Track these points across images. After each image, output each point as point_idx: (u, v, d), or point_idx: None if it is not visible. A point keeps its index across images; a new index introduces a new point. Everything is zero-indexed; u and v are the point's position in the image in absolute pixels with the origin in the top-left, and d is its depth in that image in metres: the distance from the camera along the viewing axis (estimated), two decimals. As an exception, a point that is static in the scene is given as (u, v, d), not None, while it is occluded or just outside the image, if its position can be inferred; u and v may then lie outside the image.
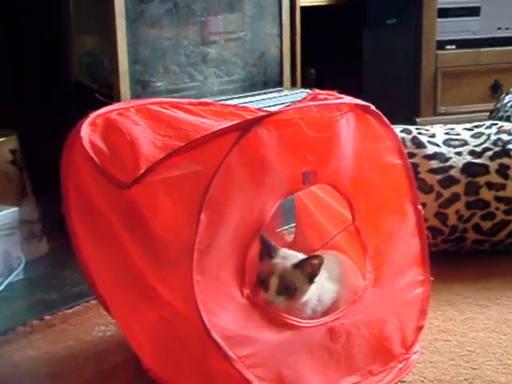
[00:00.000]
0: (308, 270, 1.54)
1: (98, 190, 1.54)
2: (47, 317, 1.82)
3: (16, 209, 2.03)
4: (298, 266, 1.53)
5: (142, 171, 1.45)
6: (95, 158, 1.52)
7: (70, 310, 1.86)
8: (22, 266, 2.02)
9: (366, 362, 1.54)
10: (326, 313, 1.56)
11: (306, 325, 1.49)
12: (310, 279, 1.54)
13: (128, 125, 1.61)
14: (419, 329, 1.64)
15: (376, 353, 1.56)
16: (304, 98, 1.56)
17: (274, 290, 1.51)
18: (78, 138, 1.56)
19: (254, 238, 1.45)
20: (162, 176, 1.43)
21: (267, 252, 1.56)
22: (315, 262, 1.53)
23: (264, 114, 1.50)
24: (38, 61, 2.39)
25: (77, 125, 1.59)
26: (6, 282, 1.97)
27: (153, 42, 2.31)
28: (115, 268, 1.55)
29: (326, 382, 1.48)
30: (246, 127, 1.40)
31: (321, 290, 1.58)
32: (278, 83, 2.66)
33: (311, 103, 1.51)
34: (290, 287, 1.52)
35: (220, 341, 1.36)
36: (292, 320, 1.47)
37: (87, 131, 1.57)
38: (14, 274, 2.00)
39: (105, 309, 1.69)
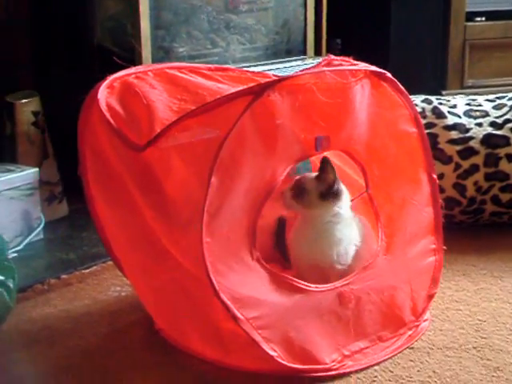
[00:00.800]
0: (324, 184, 1.58)
1: (113, 153, 1.56)
2: (64, 276, 1.85)
3: (36, 169, 2.06)
4: (317, 177, 1.59)
5: (156, 134, 1.47)
6: (111, 120, 1.54)
7: (87, 270, 1.89)
8: (41, 226, 2.06)
9: (375, 328, 1.55)
10: (344, 274, 1.58)
11: (316, 289, 1.50)
12: (322, 195, 1.57)
13: (145, 88, 1.62)
14: (430, 297, 1.65)
15: (386, 319, 1.57)
16: (318, 64, 1.55)
17: (289, 188, 1.58)
18: (94, 101, 1.57)
19: (264, 202, 1.46)
20: (176, 139, 1.44)
21: None
22: (330, 176, 1.57)
23: (277, 78, 1.50)
24: (61, 24, 2.40)
25: (94, 87, 1.61)
26: (26, 241, 2.01)
27: (176, 7, 2.31)
28: (129, 230, 1.58)
29: (335, 346, 1.49)
30: (259, 91, 1.40)
31: (348, 241, 1.60)
32: (302, 52, 2.64)
33: (325, 68, 1.50)
34: (300, 187, 1.58)
35: (229, 302, 1.38)
36: (301, 284, 1.48)
37: (104, 94, 1.59)
38: (34, 233, 2.04)
39: (119, 270, 1.72)
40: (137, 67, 1.74)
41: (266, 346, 1.41)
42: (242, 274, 1.43)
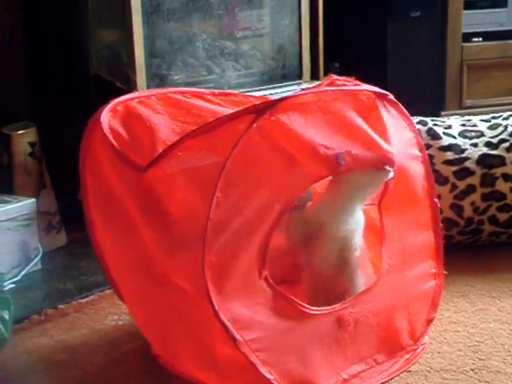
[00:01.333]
0: None
1: (115, 175, 1.56)
2: (61, 306, 1.84)
3: (33, 200, 2.06)
4: None
5: (158, 154, 1.47)
6: (114, 142, 1.54)
7: (85, 300, 1.88)
8: (39, 256, 2.05)
9: (371, 352, 1.54)
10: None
11: (316, 312, 1.48)
12: None
13: (148, 112, 1.63)
14: (429, 321, 1.64)
15: (383, 342, 1.56)
16: (320, 84, 1.54)
17: None
18: (97, 124, 1.58)
19: (279, 220, 1.43)
20: (179, 160, 1.43)
21: None
22: None
23: (278, 98, 1.47)
24: (56, 54, 2.42)
25: (97, 111, 1.61)
26: (24, 272, 2.01)
27: (170, 35, 2.32)
28: (128, 254, 1.57)
29: (333, 370, 1.48)
30: (261, 110, 1.40)
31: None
32: (298, 76, 2.65)
33: (328, 88, 1.49)
34: None
35: (228, 323, 1.36)
36: (303, 307, 1.46)
37: (107, 117, 1.60)
38: (31, 264, 2.03)
39: (118, 296, 1.72)
40: (140, 91, 1.77)
41: (263, 369, 1.39)
42: (245, 294, 1.41)
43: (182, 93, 1.72)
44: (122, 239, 1.58)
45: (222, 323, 1.36)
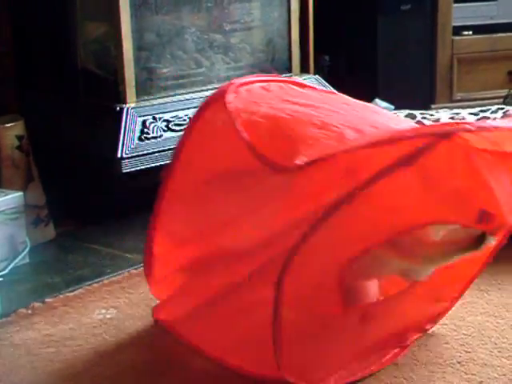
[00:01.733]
0: None
1: (225, 168, 1.48)
2: (49, 299, 1.84)
3: (21, 193, 2.05)
4: None
5: (321, 155, 1.33)
6: (245, 134, 1.40)
7: (72, 293, 1.88)
8: (26, 250, 2.05)
9: (368, 347, 1.54)
10: None
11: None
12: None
13: (273, 100, 1.51)
14: (423, 331, 1.64)
15: (380, 340, 1.56)
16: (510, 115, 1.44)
17: None
18: (218, 100, 1.47)
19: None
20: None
21: None
22: None
23: (475, 125, 1.29)
24: (44, 47, 2.41)
25: (220, 89, 1.50)
26: (11, 265, 2.00)
27: (158, 28, 2.32)
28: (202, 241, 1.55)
29: (333, 365, 1.49)
30: (445, 134, 1.27)
31: None
32: (287, 69, 2.65)
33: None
34: None
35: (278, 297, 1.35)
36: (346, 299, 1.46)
37: (232, 98, 1.46)
38: (19, 257, 2.02)
39: (146, 262, 1.64)
40: (257, 75, 1.68)
41: (278, 350, 1.38)
42: (313, 274, 1.40)
43: (301, 85, 1.61)
44: (195, 215, 1.55)
45: (279, 292, 1.33)
